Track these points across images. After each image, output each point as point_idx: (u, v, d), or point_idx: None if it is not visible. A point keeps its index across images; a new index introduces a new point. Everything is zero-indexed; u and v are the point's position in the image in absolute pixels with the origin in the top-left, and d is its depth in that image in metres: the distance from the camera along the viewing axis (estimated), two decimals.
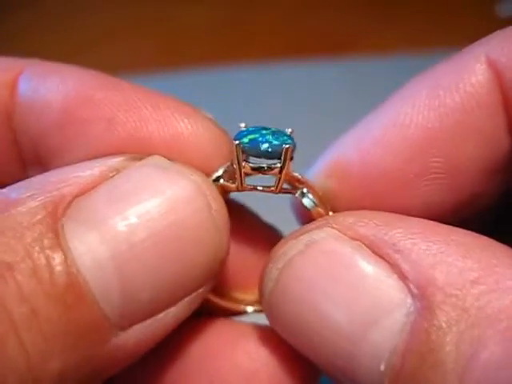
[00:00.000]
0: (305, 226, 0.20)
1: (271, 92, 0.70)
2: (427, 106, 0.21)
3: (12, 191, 0.18)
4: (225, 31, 0.80)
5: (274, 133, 0.21)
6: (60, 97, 0.21)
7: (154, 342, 0.19)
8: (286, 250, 0.20)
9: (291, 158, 0.21)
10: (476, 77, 0.21)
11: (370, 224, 0.19)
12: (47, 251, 0.17)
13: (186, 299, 0.19)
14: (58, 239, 0.17)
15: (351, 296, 0.18)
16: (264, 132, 0.21)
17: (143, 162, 0.20)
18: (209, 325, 0.23)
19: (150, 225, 0.18)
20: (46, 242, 0.17)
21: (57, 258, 0.16)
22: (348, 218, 0.19)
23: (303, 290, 0.19)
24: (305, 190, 0.22)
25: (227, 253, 0.21)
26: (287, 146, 0.20)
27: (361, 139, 0.22)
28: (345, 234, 0.19)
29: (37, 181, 0.19)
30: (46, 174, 0.19)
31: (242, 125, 0.22)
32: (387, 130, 0.21)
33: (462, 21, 0.74)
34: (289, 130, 0.22)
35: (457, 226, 0.19)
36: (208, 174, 0.21)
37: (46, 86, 0.22)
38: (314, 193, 0.22)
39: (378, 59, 0.72)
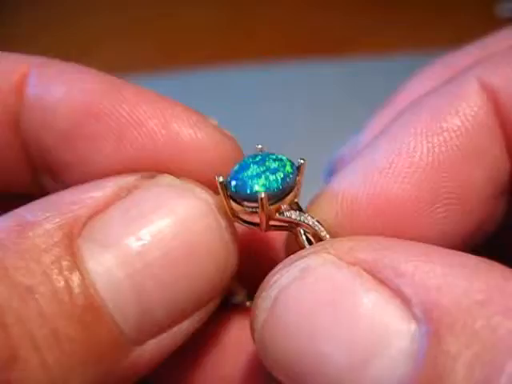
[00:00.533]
0: (299, 252, 0.19)
1: (271, 92, 0.70)
2: (430, 131, 0.21)
3: (27, 213, 0.19)
4: (225, 31, 0.80)
5: (270, 170, 0.21)
6: (67, 110, 0.21)
7: (167, 353, 0.20)
8: (281, 277, 0.18)
9: (277, 201, 0.20)
10: (473, 99, 0.21)
11: (369, 248, 0.18)
12: (65, 273, 0.17)
13: (198, 312, 0.20)
14: (75, 261, 0.17)
15: (351, 326, 0.16)
16: (258, 170, 0.21)
17: (154, 181, 0.20)
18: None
19: (164, 244, 0.18)
20: (63, 264, 0.17)
21: (75, 280, 0.17)
22: (346, 243, 0.18)
23: (298, 321, 0.17)
24: (301, 231, 0.21)
25: (236, 266, 0.21)
26: (262, 194, 0.20)
27: (366, 171, 0.21)
28: (343, 260, 0.18)
29: (51, 202, 0.19)
30: (60, 194, 0.20)
31: (259, 146, 0.22)
32: (393, 159, 0.21)
33: (462, 21, 0.74)
34: (300, 161, 0.21)
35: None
36: (216, 189, 0.21)
37: (53, 96, 0.22)
38: (313, 233, 0.21)
39: (377, 59, 0.72)
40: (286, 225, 0.22)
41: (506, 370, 0.14)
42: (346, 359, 0.16)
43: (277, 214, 0.21)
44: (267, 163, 0.21)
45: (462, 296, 0.15)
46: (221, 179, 0.20)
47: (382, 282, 0.17)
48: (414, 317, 0.16)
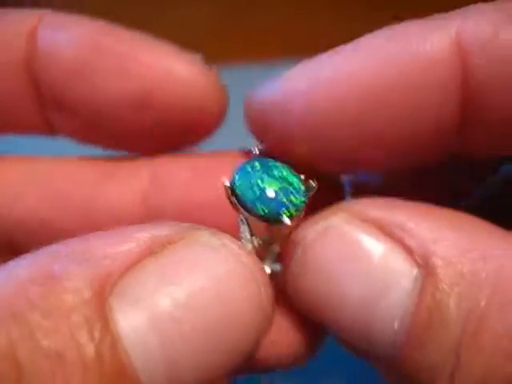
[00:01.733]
0: (320, 214, 0.23)
1: None
2: (388, 58, 0.21)
3: (55, 263, 0.17)
4: (224, 31, 0.80)
5: (289, 191, 0.21)
6: (75, 49, 0.25)
7: None
8: (307, 236, 0.22)
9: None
10: (443, 46, 0.21)
11: (378, 208, 0.21)
12: (96, 338, 0.15)
13: (225, 376, 0.19)
14: (106, 323, 0.16)
15: (365, 270, 0.20)
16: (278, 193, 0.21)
17: (191, 239, 0.19)
18: None
19: (200, 310, 0.17)
20: (93, 326, 0.16)
21: (106, 346, 0.15)
22: (359, 205, 0.22)
23: (322, 269, 0.21)
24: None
25: (268, 333, 0.20)
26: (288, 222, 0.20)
27: (311, 77, 0.23)
28: (357, 218, 0.21)
29: (80, 252, 0.17)
30: (88, 241, 0.18)
31: (256, 150, 0.22)
32: (336, 77, 0.22)
33: None
34: (302, 177, 0.22)
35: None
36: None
37: (62, 38, 0.25)
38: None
39: None
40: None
41: (483, 302, 0.18)
42: (362, 296, 0.20)
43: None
44: (284, 183, 0.21)
45: (452, 247, 0.19)
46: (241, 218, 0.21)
47: (389, 235, 0.21)
48: (416, 263, 0.20)
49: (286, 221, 0.21)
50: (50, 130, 0.28)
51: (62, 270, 0.16)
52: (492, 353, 0.18)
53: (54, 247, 0.18)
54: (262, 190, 0.21)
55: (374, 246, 0.21)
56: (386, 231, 0.21)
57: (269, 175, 0.21)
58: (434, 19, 0.23)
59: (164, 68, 0.25)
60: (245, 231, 0.22)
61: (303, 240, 0.22)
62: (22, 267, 0.17)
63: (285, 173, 0.22)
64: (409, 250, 0.20)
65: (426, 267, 0.19)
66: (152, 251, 0.18)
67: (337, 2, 0.82)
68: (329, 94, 0.22)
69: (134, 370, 0.16)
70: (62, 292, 0.16)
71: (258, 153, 0.22)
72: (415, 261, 0.20)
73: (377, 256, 0.20)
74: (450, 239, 0.20)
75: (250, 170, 0.21)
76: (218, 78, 0.27)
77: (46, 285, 0.16)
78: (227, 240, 0.19)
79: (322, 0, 0.84)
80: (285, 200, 0.21)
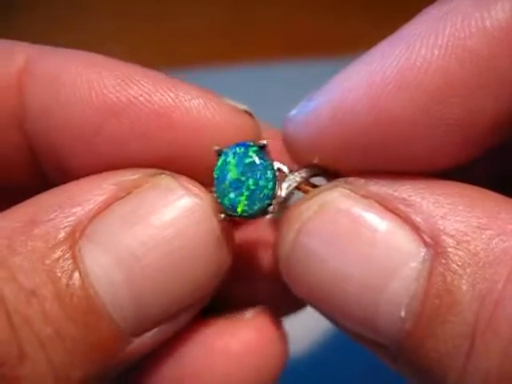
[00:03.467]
0: (316, 189, 0.21)
1: (271, 92, 0.70)
2: (449, 48, 0.18)
3: (33, 213, 0.19)
4: (224, 32, 0.80)
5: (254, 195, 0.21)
6: (81, 109, 0.21)
7: (158, 344, 0.21)
8: (301, 211, 0.20)
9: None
10: (505, 16, 0.18)
11: (380, 182, 0.19)
12: (67, 275, 0.18)
13: (188, 310, 0.21)
14: (76, 263, 0.18)
15: (368, 251, 0.18)
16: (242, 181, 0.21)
17: (152, 182, 0.20)
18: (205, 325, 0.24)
19: (160, 247, 0.19)
20: (65, 265, 0.18)
21: (76, 282, 0.18)
22: (359, 179, 0.20)
23: (320, 248, 0.19)
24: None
25: (228, 269, 0.22)
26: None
27: (371, 80, 0.19)
28: (357, 193, 0.19)
29: (54, 203, 0.19)
30: (61, 192, 0.20)
31: (216, 148, 0.21)
32: (402, 73, 0.19)
33: None
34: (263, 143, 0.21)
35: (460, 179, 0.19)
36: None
37: (61, 92, 0.21)
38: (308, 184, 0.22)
39: None
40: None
41: (502, 283, 0.16)
42: (366, 278, 0.18)
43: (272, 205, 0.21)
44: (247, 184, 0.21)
45: (464, 222, 0.17)
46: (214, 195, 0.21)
47: (393, 211, 0.19)
48: (423, 241, 0.18)
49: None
50: (41, 180, 0.24)
51: (38, 219, 0.19)
52: (510, 340, 0.16)
53: (34, 199, 0.20)
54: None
55: (377, 224, 0.19)
56: (389, 207, 0.19)
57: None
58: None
59: (193, 125, 0.21)
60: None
61: (297, 217, 0.20)
62: (6, 218, 0.19)
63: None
64: (415, 227, 0.18)
65: (434, 246, 0.18)
66: (119, 197, 0.20)
67: (337, 2, 0.82)
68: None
69: (103, 303, 0.18)
70: (38, 238, 0.18)
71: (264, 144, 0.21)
72: (422, 239, 0.18)
73: (380, 235, 0.18)
74: (462, 214, 0.18)
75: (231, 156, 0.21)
76: (251, 120, 0.23)
77: (26, 233, 0.18)
78: (186, 182, 0.21)
79: (322, 0, 0.84)
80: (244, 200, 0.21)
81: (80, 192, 0.20)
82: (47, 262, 0.18)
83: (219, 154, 0.21)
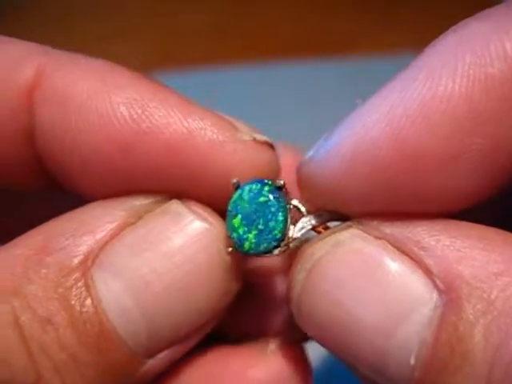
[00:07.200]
0: (330, 230, 0.21)
1: (271, 92, 0.70)
2: (471, 76, 0.17)
3: (46, 240, 0.19)
4: (225, 32, 0.80)
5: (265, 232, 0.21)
6: (92, 139, 0.20)
7: (170, 364, 0.21)
8: (314, 251, 0.20)
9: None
10: None
11: (394, 224, 0.19)
12: (80, 302, 0.19)
13: (199, 331, 0.21)
14: (88, 290, 0.19)
15: (379, 293, 0.18)
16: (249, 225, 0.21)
17: (162, 208, 0.21)
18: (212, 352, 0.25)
19: (170, 273, 0.20)
20: (78, 293, 0.19)
21: (89, 310, 0.19)
22: (372, 220, 0.19)
23: (332, 289, 0.19)
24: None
25: (234, 296, 0.22)
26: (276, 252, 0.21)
27: (392, 113, 0.18)
28: (370, 234, 0.19)
29: (67, 230, 0.20)
30: (73, 218, 0.20)
31: (234, 180, 0.21)
32: (425, 104, 0.18)
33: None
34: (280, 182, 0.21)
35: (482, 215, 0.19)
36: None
37: (70, 119, 0.20)
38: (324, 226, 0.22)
39: (377, 59, 0.72)
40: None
41: None
42: (378, 323, 0.18)
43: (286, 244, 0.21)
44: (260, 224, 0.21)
45: (480, 268, 0.17)
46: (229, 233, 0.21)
47: (406, 254, 0.18)
48: (436, 286, 0.17)
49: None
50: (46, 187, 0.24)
51: (51, 246, 0.19)
52: None
53: (46, 226, 0.20)
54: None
55: (389, 266, 0.18)
56: (402, 248, 0.18)
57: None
58: None
59: (207, 162, 0.21)
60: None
61: (309, 257, 0.20)
62: (18, 246, 0.19)
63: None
64: (428, 271, 0.17)
65: (447, 292, 0.17)
66: (129, 222, 0.20)
67: (338, 3, 0.82)
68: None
69: (115, 329, 0.19)
70: (52, 266, 0.19)
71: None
72: (435, 284, 0.17)
73: (392, 277, 0.18)
74: (478, 258, 0.17)
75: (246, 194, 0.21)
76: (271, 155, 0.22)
77: (40, 261, 0.19)
78: (195, 207, 0.21)
79: (322, 0, 0.84)
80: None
81: (90, 219, 0.20)
82: (60, 290, 0.18)
83: (236, 187, 0.21)
